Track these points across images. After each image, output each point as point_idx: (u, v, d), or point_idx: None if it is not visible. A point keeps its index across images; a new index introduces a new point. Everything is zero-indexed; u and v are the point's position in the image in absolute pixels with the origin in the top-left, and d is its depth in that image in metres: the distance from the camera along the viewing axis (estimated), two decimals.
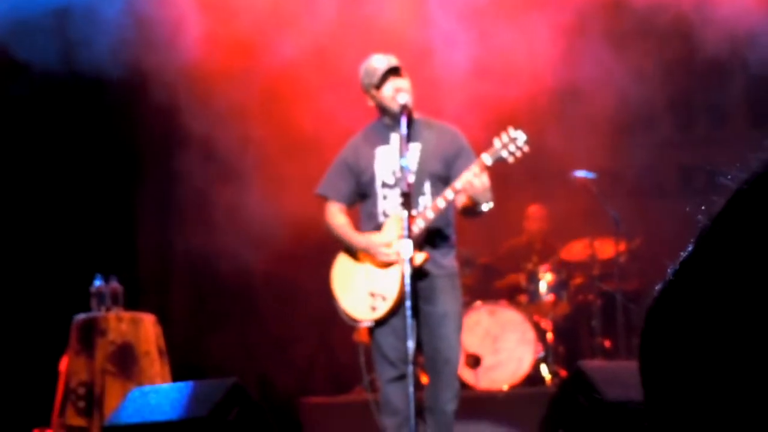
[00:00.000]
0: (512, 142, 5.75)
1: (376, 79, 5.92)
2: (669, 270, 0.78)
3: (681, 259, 0.78)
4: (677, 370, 0.75)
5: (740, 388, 0.70)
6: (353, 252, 6.06)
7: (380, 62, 5.96)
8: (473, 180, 5.65)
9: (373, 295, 5.94)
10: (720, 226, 0.74)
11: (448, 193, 5.74)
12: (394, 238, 5.82)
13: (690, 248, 0.77)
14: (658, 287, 0.79)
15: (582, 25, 8.82)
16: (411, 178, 5.74)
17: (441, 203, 5.75)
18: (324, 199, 6.16)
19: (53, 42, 8.19)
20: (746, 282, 0.70)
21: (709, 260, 0.74)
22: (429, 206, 5.80)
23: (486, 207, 5.78)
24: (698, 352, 0.73)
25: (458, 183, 5.71)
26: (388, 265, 5.91)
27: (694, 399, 0.73)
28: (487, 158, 5.72)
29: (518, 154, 5.76)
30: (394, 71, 5.91)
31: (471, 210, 5.85)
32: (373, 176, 6.00)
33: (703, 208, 0.77)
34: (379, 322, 5.91)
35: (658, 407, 0.77)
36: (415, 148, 5.90)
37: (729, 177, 0.75)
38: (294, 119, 8.74)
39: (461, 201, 5.82)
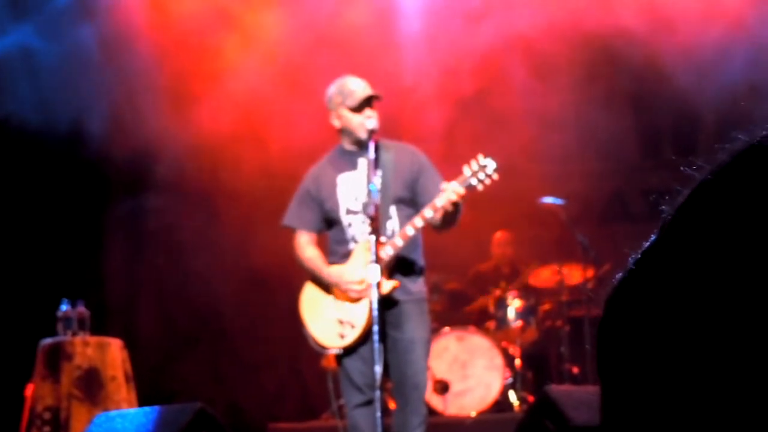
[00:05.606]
0: (482, 170, 5.70)
1: (352, 102, 5.85)
2: (630, 259, 0.78)
3: (643, 248, 0.77)
4: (635, 360, 0.74)
5: (699, 376, 0.70)
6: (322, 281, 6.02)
7: (359, 87, 5.89)
8: (447, 207, 5.63)
9: (341, 322, 5.88)
10: (683, 216, 0.74)
11: (417, 221, 5.71)
12: (365, 272, 5.75)
13: (653, 238, 0.77)
14: (618, 276, 0.79)
15: (551, 54, 8.88)
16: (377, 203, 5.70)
17: (410, 231, 5.71)
18: (291, 230, 6.11)
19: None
20: (709, 271, 0.70)
21: (671, 250, 0.74)
22: (398, 234, 5.76)
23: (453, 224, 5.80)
24: (657, 341, 0.72)
25: (438, 201, 5.67)
26: (358, 298, 5.88)
27: (650, 388, 0.72)
28: (457, 187, 5.70)
29: (488, 181, 5.70)
30: (369, 101, 5.88)
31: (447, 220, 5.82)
32: (336, 204, 5.94)
33: (667, 198, 0.76)
34: (347, 350, 5.88)
35: (613, 400, 0.76)
36: (377, 174, 5.87)
37: (695, 168, 0.75)
38: (264, 148, 8.74)
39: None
